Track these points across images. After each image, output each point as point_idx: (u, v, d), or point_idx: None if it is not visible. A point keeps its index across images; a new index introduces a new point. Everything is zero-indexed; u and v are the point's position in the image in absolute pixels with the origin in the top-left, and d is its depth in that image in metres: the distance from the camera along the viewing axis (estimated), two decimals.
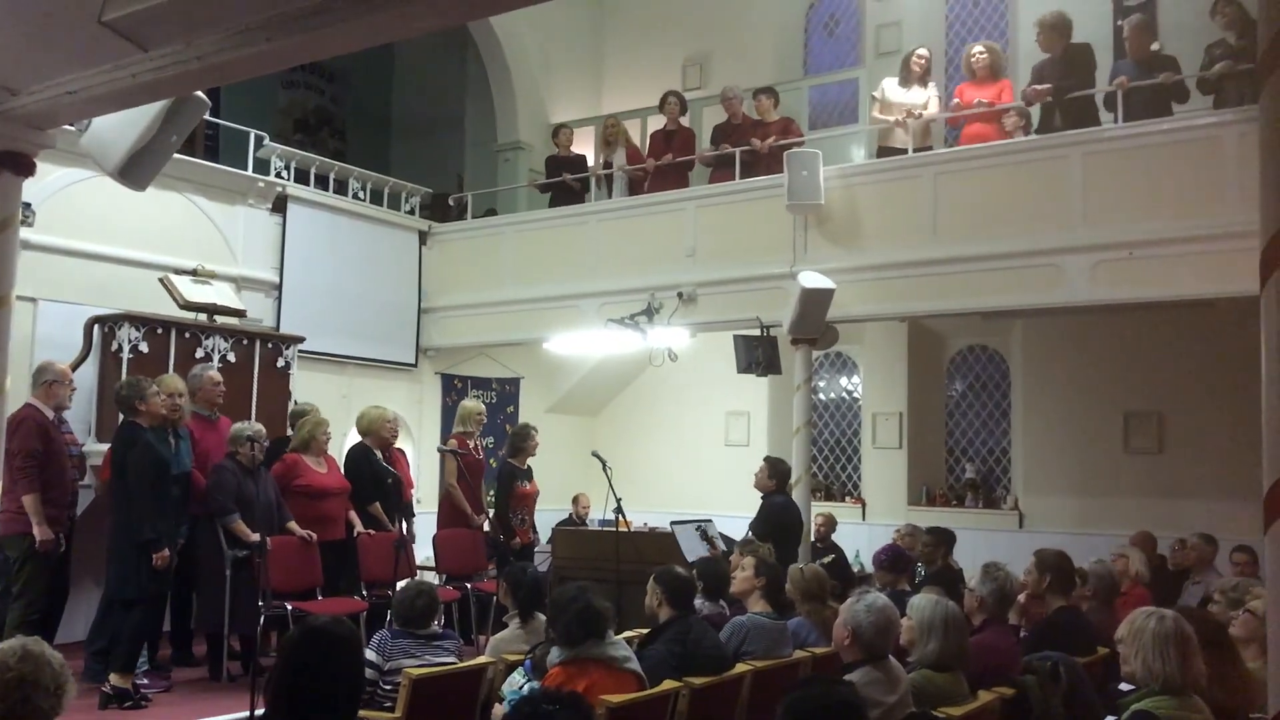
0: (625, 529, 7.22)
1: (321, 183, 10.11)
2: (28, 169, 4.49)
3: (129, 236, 8.26)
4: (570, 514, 10.33)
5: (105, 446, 6.82)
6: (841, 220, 8.70)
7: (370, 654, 4.59)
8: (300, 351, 8.60)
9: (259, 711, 4.16)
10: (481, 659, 4.85)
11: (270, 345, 8.30)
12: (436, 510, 8.50)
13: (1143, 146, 7.57)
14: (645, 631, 4.94)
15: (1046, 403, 10.04)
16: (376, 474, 7.63)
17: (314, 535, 6.91)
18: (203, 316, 7.97)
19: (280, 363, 8.31)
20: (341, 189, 10.30)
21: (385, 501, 7.64)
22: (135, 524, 6.04)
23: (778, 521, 7.48)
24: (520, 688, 4.29)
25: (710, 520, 7.90)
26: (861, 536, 10.10)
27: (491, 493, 8.76)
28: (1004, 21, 10.51)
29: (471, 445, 8.45)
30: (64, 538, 6.36)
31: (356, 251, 10.22)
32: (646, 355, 9.62)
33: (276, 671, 2.76)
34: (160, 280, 8.02)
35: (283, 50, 3.71)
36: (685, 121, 10.32)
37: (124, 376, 6.90)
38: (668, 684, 4.20)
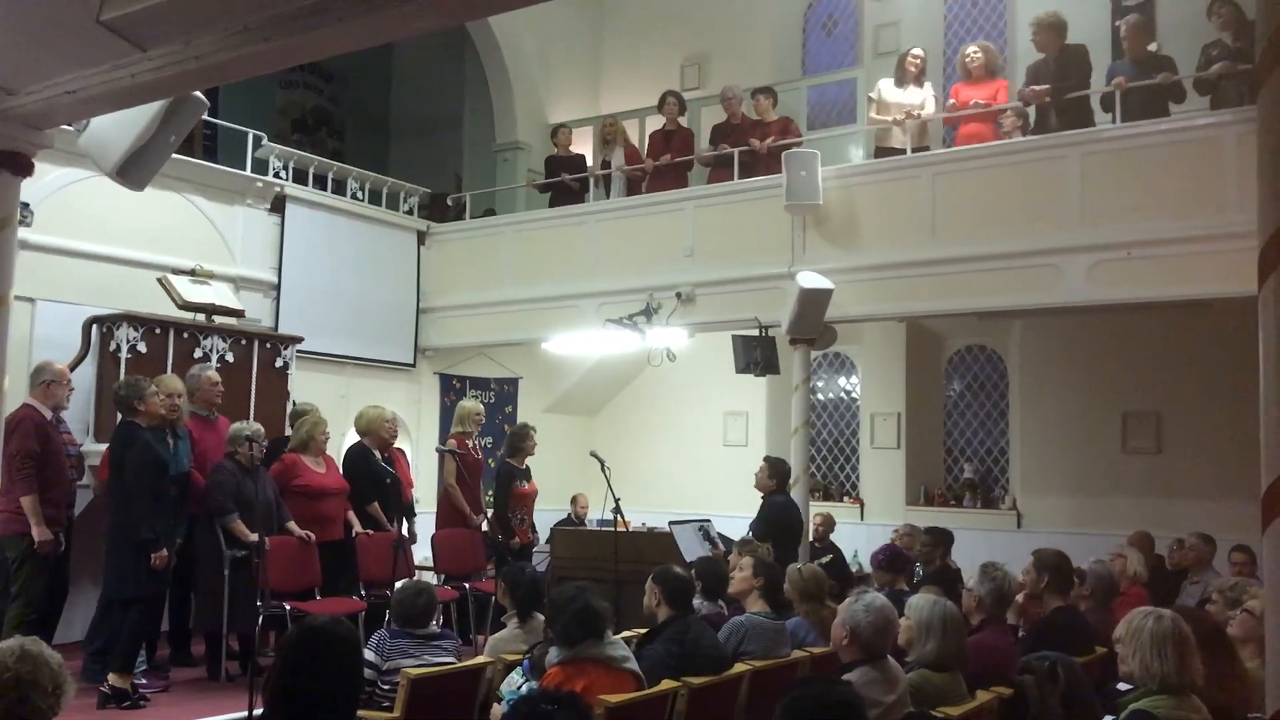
0: (624, 529, 7.23)
1: (320, 183, 10.11)
2: (26, 169, 4.49)
3: (127, 236, 8.25)
4: (569, 514, 10.33)
5: (103, 446, 6.82)
6: (840, 220, 8.70)
7: (369, 654, 4.59)
8: (299, 351, 8.60)
9: (258, 711, 4.16)
10: (480, 659, 4.85)
11: (269, 345, 8.30)
12: (435, 510, 8.50)
13: (1141, 147, 7.58)
14: (644, 631, 4.94)
15: (1044, 403, 10.05)
16: (375, 474, 7.63)
17: (312, 535, 6.91)
18: (201, 316, 7.97)
19: (278, 363, 8.31)
20: (340, 189, 10.29)
21: (384, 501, 7.64)
22: (133, 524, 6.04)
23: (778, 521, 7.49)
24: (519, 687, 4.29)
25: (709, 520, 7.91)
26: (860, 536, 10.11)
27: (490, 493, 8.76)
28: (1002, 21, 10.51)
29: (470, 445, 8.45)
30: (63, 537, 6.36)
31: (355, 251, 10.22)
32: (645, 355, 9.62)
33: (275, 671, 2.76)
34: (158, 280, 8.02)
35: (281, 50, 3.71)
36: (684, 121, 10.32)
37: (122, 376, 6.90)
38: (666, 684, 4.20)
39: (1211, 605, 5.06)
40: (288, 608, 6.48)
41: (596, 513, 9.37)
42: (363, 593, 7.20)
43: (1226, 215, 6.99)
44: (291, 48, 3.73)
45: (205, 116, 5.74)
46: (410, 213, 10.93)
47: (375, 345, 10.36)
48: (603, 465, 7.10)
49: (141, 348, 7.41)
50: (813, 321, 8.37)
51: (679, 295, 9.25)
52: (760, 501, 7.75)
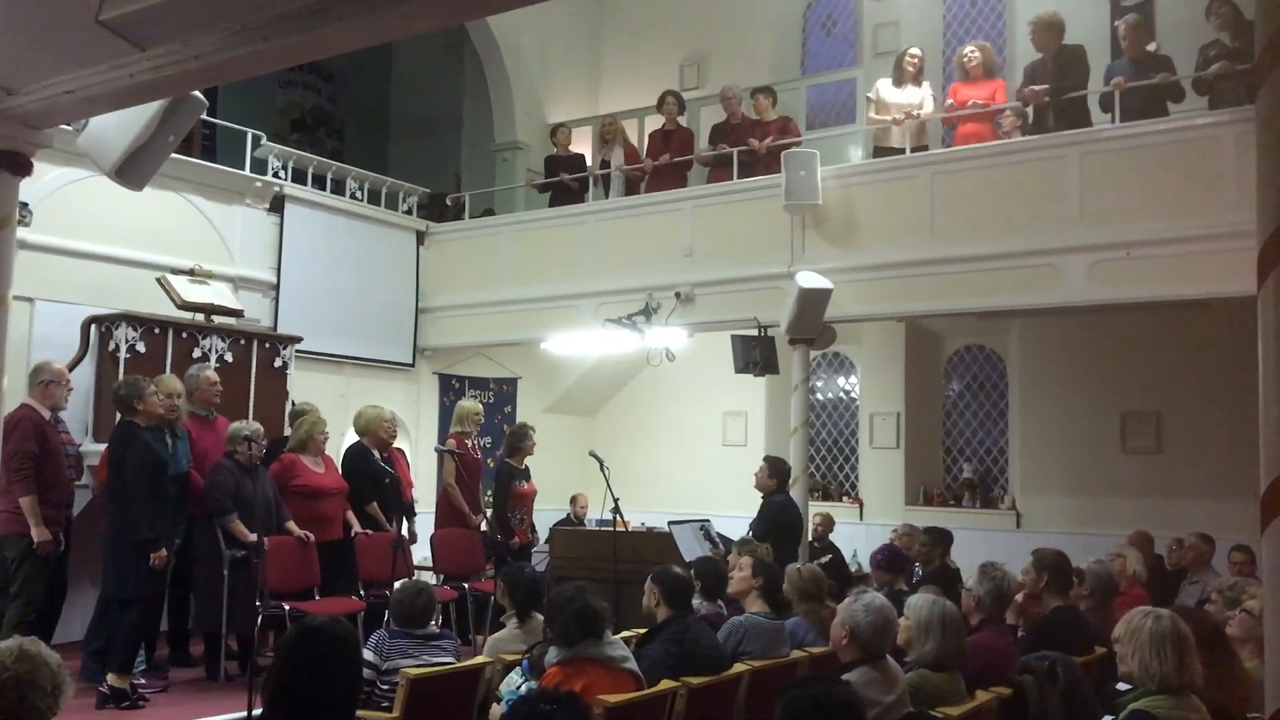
0: (623, 529, 7.23)
1: (319, 182, 10.10)
2: (25, 168, 4.49)
3: (126, 236, 8.25)
4: (568, 514, 10.33)
5: (102, 446, 6.82)
6: (839, 220, 8.70)
7: (368, 654, 4.59)
8: (297, 351, 8.59)
9: (256, 711, 4.16)
10: (479, 659, 4.85)
11: (267, 345, 8.29)
12: (434, 510, 8.50)
13: (1140, 146, 7.58)
14: (643, 631, 4.94)
15: (1044, 402, 10.05)
16: (374, 474, 7.63)
17: (311, 535, 6.91)
18: (200, 316, 7.97)
19: (277, 363, 8.31)
20: (339, 189, 10.29)
21: (383, 501, 7.64)
22: (133, 524, 6.03)
23: (778, 521, 7.50)
24: (518, 687, 4.29)
25: (708, 520, 7.92)
26: (859, 536, 10.11)
27: (489, 493, 8.76)
28: (1001, 21, 10.52)
29: (469, 445, 8.45)
30: (62, 537, 6.35)
31: (354, 251, 10.22)
32: (644, 355, 9.62)
33: (274, 671, 2.75)
34: (158, 280, 8.02)
35: (280, 50, 3.71)
36: (683, 121, 10.32)
37: (121, 376, 6.89)
38: (665, 684, 4.20)
39: (1211, 605, 5.06)
40: (287, 608, 6.47)
41: (596, 513, 9.38)
42: (361, 593, 7.20)
43: (1225, 215, 6.99)
44: (290, 47, 3.73)
45: (204, 116, 5.74)
46: (409, 212, 10.93)
47: (374, 345, 10.36)
48: (602, 465, 7.10)
49: (140, 347, 7.41)
50: (812, 321, 8.38)
51: (678, 295, 9.25)
52: (760, 501, 7.75)
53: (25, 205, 7.06)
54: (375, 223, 10.50)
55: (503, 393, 11.50)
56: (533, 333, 10.31)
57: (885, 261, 8.45)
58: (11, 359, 4.64)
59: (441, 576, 7.95)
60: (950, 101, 8.78)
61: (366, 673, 4.45)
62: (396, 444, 8.32)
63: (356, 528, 7.38)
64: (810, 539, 8.66)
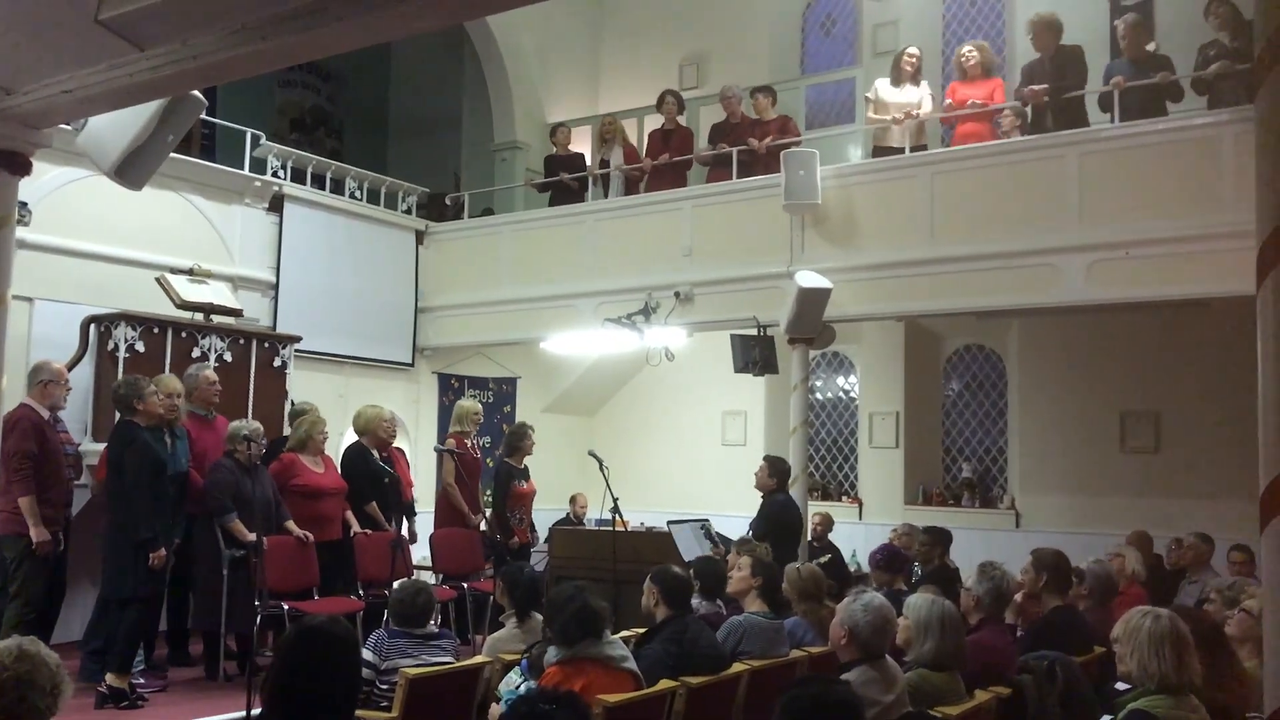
0: (622, 529, 7.23)
1: (318, 182, 10.10)
2: (24, 168, 4.49)
3: (125, 236, 8.25)
4: (568, 513, 10.34)
5: (101, 446, 6.82)
6: (838, 220, 8.70)
7: (367, 654, 4.59)
8: (297, 351, 8.59)
9: (255, 711, 4.15)
10: (478, 658, 4.85)
11: (267, 345, 8.29)
12: (434, 510, 8.50)
13: (1139, 146, 7.58)
14: (642, 631, 4.94)
15: (1043, 402, 10.05)
16: (373, 473, 7.62)
17: (310, 536, 6.91)
18: (199, 316, 7.96)
19: (277, 362, 8.30)
20: (338, 188, 10.29)
21: (382, 501, 7.64)
22: (132, 523, 6.03)
23: (778, 520, 7.50)
24: (517, 687, 4.29)
25: (707, 520, 7.92)
26: (858, 536, 10.11)
27: (489, 492, 8.76)
28: (1000, 21, 10.52)
29: (469, 445, 8.45)
30: (61, 537, 6.35)
31: (353, 251, 10.21)
32: (643, 355, 9.62)
33: (273, 671, 2.75)
34: (157, 280, 8.01)
35: (279, 49, 3.71)
36: (683, 121, 10.31)
37: (120, 376, 6.89)
38: (664, 683, 4.20)
39: (1209, 605, 5.06)
40: (286, 607, 6.48)
41: (595, 512, 9.37)
42: (360, 592, 7.20)
43: (1224, 214, 7.00)
44: (289, 47, 3.73)
45: (203, 116, 5.73)
46: (409, 212, 10.93)
47: (373, 345, 10.36)
48: (601, 465, 7.10)
49: (139, 347, 7.41)
50: (811, 321, 8.38)
51: (677, 295, 9.25)
52: (760, 501, 7.75)
53: (24, 205, 7.07)
54: (374, 222, 10.50)
55: (502, 392, 11.50)
56: (532, 332, 10.31)
57: (884, 261, 8.45)
58: (10, 358, 4.64)
59: (440, 576, 7.95)
60: (949, 101, 8.78)
61: (365, 672, 4.45)
62: (396, 444, 8.32)
63: (356, 527, 7.38)
64: (809, 539, 8.66)
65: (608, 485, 7.01)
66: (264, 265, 9.49)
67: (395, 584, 5.59)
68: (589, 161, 10.69)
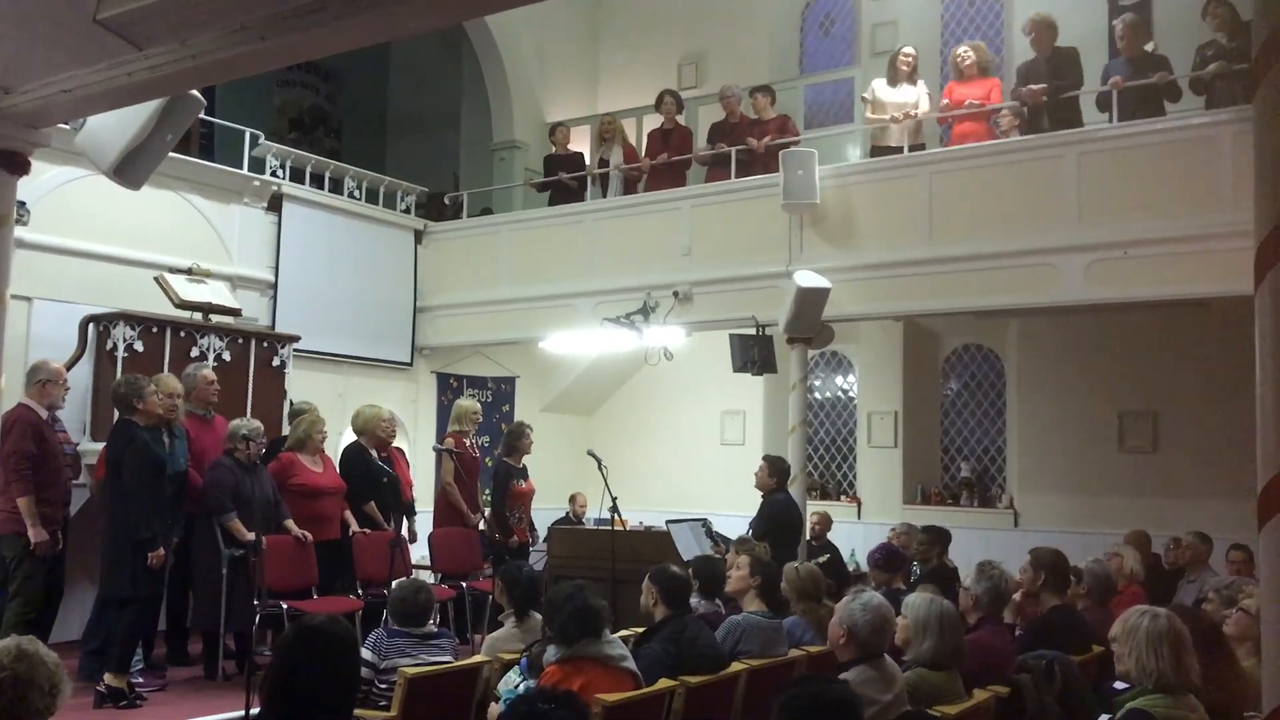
0: (621, 528, 7.23)
1: (317, 182, 10.10)
2: (22, 167, 4.49)
3: (124, 235, 8.24)
4: (568, 513, 10.34)
5: (100, 445, 6.81)
6: (837, 219, 8.70)
7: (366, 653, 4.59)
8: (295, 350, 8.59)
9: (254, 711, 4.16)
10: (477, 658, 4.85)
11: (265, 344, 8.29)
12: (432, 509, 8.50)
13: (1137, 146, 7.59)
14: (641, 631, 4.94)
15: (1041, 402, 10.05)
16: (372, 473, 7.62)
17: (309, 535, 6.91)
18: (198, 315, 7.96)
19: (275, 362, 8.30)
20: (337, 188, 10.29)
21: (381, 501, 7.64)
22: (131, 523, 6.03)
23: (778, 520, 7.50)
24: (516, 686, 4.29)
25: (705, 519, 7.92)
26: (857, 535, 10.11)
27: (487, 491, 8.76)
28: (999, 21, 10.53)
29: (467, 444, 8.45)
30: (59, 535, 6.34)
31: (352, 250, 10.21)
32: (642, 354, 9.62)
33: (272, 670, 2.75)
34: (155, 279, 8.01)
35: (278, 49, 3.71)
36: (681, 120, 10.32)
37: (119, 375, 6.89)
38: (663, 683, 4.20)
39: (1207, 604, 5.06)
40: (285, 606, 6.48)
41: (595, 511, 9.38)
42: (359, 592, 7.20)
43: (1223, 214, 7.00)
44: (288, 47, 3.73)
45: (202, 115, 5.73)
46: (407, 211, 10.93)
47: (372, 344, 10.36)
48: (600, 464, 7.10)
49: (138, 346, 7.40)
50: (810, 320, 8.38)
51: (676, 294, 9.26)
52: (760, 500, 7.75)
53: (23, 204, 7.07)
54: (373, 222, 10.50)
55: (501, 392, 11.50)
56: (531, 332, 10.31)
57: (883, 261, 8.45)
58: (9, 358, 4.64)
59: (439, 575, 7.95)
60: (946, 101, 8.79)
61: (364, 672, 4.45)
62: (395, 443, 8.32)
63: (354, 527, 7.38)
64: (808, 538, 8.67)
65: (606, 485, 7.00)
66: (263, 265, 9.48)
67: (394, 583, 5.59)
68: (588, 161, 10.69)
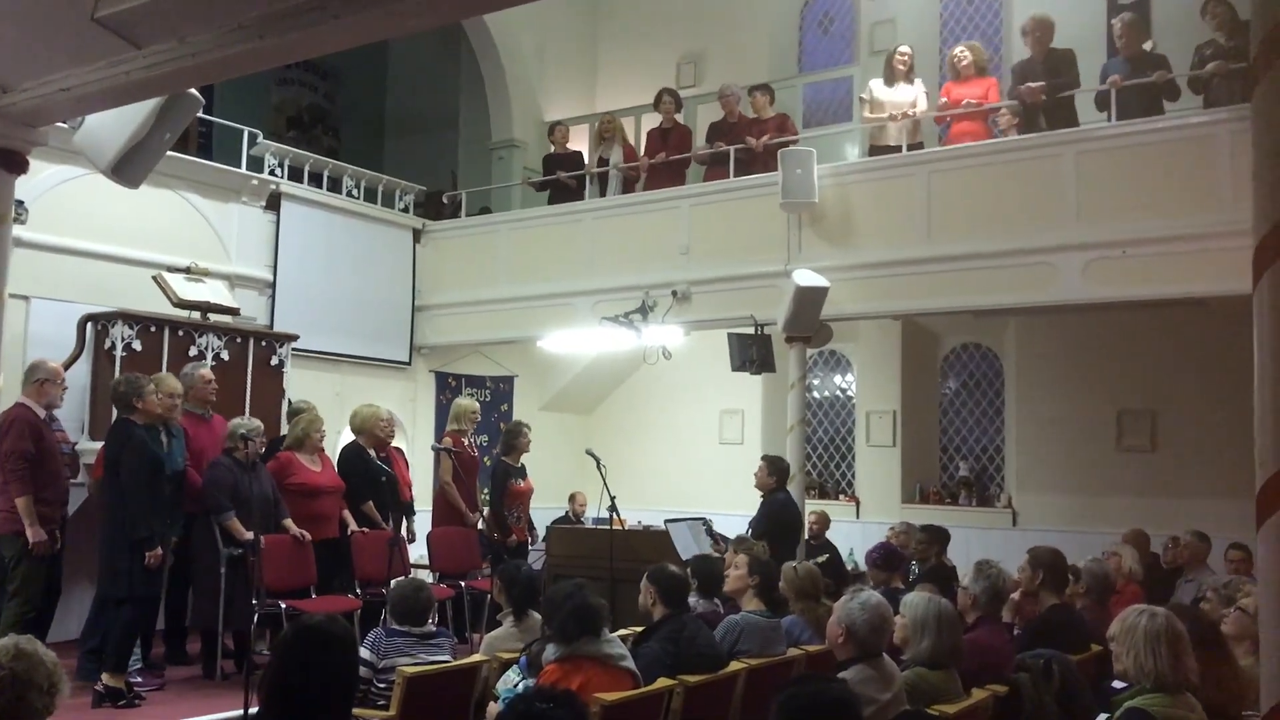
0: (619, 527, 7.23)
1: (315, 180, 10.10)
2: (20, 166, 4.50)
3: (122, 234, 8.24)
4: (567, 512, 10.34)
5: (98, 445, 6.81)
6: (835, 218, 8.71)
7: (365, 652, 4.58)
8: (294, 349, 8.58)
9: (253, 710, 4.16)
10: (476, 657, 4.85)
11: (264, 343, 8.28)
12: (431, 508, 8.49)
13: (1136, 145, 7.59)
14: (639, 630, 4.94)
15: (1040, 401, 10.05)
16: (370, 472, 7.61)
17: (307, 534, 6.90)
18: (196, 314, 7.96)
19: (274, 361, 8.29)
20: (335, 187, 10.28)
21: (379, 500, 7.63)
22: (129, 522, 6.02)
23: (778, 519, 7.51)
24: (515, 685, 4.29)
25: (706, 519, 7.92)
26: (855, 534, 10.11)
27: (486, 491, 8.76)
28: (998, 20, 10.53)
29: (466, 443, 8.44)
30: (58, 534, 6.34)
31: (350, 249, 10.21)
32: (641, 353, 9.62)
33: (271, 670, 2.75)
34: (154, 278, 8.00)
35: (276, 47, 3.71)
36: (680, 119, 10.31)
37: (117, 375, 6.88)
38: (662, 682, 4.20)
39: (1205, 603, 5.07)
40: (283, 606, 6.47)
41: (594, 510, 9.38)
42: (358, 591, 7.20)
43: (1221, 213, 7.01)
44: (286, 45, 3.73)
45: (200, 114, 5.73)
46: (406, 210, 10.92)
47: (371, 343, 10.36)
48: (598, 463, 7.10)
49: (136, 346, 7.40)
50: (808, 319, 8.38)
51: (675, 293, 9.25)
52: (760, 500, 7.75)
53: (21, 203, 7.06)
54: (372, 221, 10.50)
55: (499, 391, 11.50)
56: (529, 331, 10.31)
57: (881, 260, 8.45)
58: (7, 357, 4.66)
59: (438, 574, 7.94)
60: (944, 100, 8.79)
61: (363, 671, 4.44)
62: (394, 443, 8.31)
63: (353, 526, 7.38)
64: (807, 537, 8.67)
65: (605, 484, 7.01)
66: (261, 264, 9.48)
67: (393, 582, 5.59)
68: (586, 160, 10.68)
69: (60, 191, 7.83)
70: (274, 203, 9.58)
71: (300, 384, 8.68)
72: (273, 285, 9.51)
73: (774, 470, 7.75)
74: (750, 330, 8.82)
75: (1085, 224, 7.68)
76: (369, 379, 10.27)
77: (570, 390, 12.02)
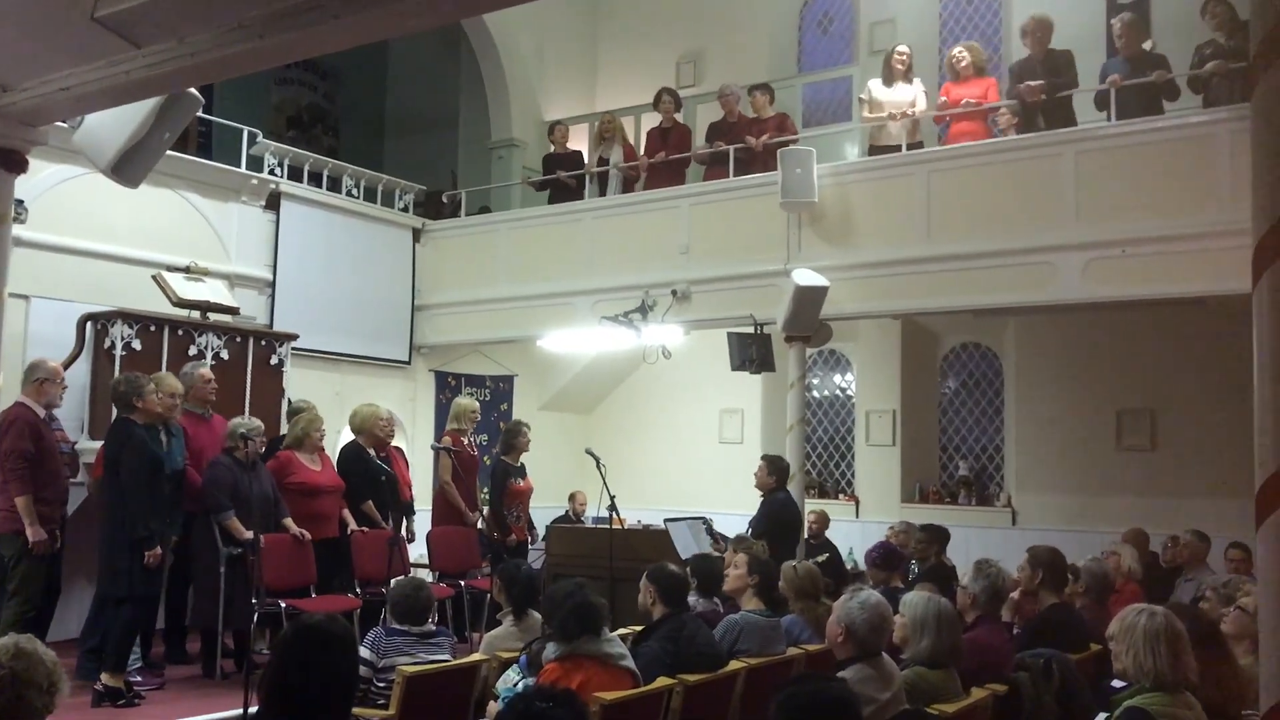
0: (619, 526, 7.23)
1: (315, 180, 10.10)
2: (20, 165, 4.50)
3: (122, 234, 8.24)
4: (568, 511, 10.35)
5: (97, 444, 6.81)
6: (835, 218, 8.71)
7: (364, 651, 4.59)
8: (293, 349, 8.58)
9: (252, 709, 4.16)
10: (475, 656, 4.85)
11: (263, 343, 8.28)
12: (431, 508, 8.49)
13: (1135, 145, 7.59)
14: (639, 629, 4.94)
15: (1039, 400, 10.06)
16: (370, 472, 7.61)
17: (307, 534, 6.90)
18: (196, 314, 7.96)
19: (273, 360, 8.29)
20: (335, 186, 10.28)
21: (379, 499, 7.63)
22: (129, 521, 6.02)
23: (779, 519, 7.51)
24: (515, 684, 4.29)
25: (706, 518, 7.93)
26: (855, 534, 10.11)
27: (486, 490, 8.76)
28: (997, 19, 10.53)
29: (465, 442, 8.44)
30: (58, 534, 6.34)
31: (350, 249, 10.21)
32: (640, 353, 9.62)
33: (270, 669, 2.75)
34: (153, 277, 8.00)
35: (276, 47, 3.71)
36: (680, 118, 10.31)
37: (117, 374, 6.88)
38: (661, 681, 4.20)
39: (1204, 602, 5.07)
40: (283, 605, 6.48)
41: (595, 510, 9.38)
42: (357, 590, 7.20)
43: (1220, 213, 7.01)
44: (286, 45, 3.73)
45: (200, 113, 5.73)
46: (405, 210, 10.92)
47: (370, 342, 10.36)
48: (598, 463, 7.10)
49: (136, 345, 7.40)
50: (808, 319, 8.38)
51: (674, 293, 9.25)
52: (760, 499, 7.75)
53: (21, 202, 7.06)
54: (371, 220, 10.50)
55: (499, 390, 11.50)
56: (529, 330, 10.31)
57: (881, 259, 8.45)
58: (7, 356, 4.66)
59: (438, 574, 7.94)
60: (944, 99, 8.79)
61: (363, 670, 4.44)
62: (394, 442, 8.31)
63: (353, 525, 7.38)
64: (806, 537, 8.67)
65: (604, 483, 7.01)
66: (261, 263, 9.48)
67: (393, 581, 5.60)
68: (586, 159, 10.68)
69: (60, 191, 7.83)
70: (273, 202, 9.58)
71: (300, 383, 8.68)
72: (272, 284, 9.51)
73: (774, 470, 7.76)
74: (750, 330, 8.82)
75: (1085, 223, 7.68)
76: (369, 378, 10.27)
77: (570, 390, 12.02)
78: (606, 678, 3.99)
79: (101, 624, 6.29)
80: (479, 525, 8.28)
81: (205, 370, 7.22)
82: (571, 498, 10.38)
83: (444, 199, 11.29)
